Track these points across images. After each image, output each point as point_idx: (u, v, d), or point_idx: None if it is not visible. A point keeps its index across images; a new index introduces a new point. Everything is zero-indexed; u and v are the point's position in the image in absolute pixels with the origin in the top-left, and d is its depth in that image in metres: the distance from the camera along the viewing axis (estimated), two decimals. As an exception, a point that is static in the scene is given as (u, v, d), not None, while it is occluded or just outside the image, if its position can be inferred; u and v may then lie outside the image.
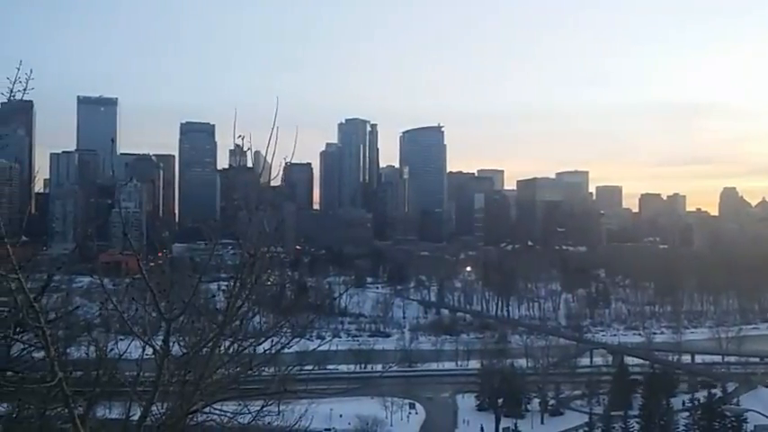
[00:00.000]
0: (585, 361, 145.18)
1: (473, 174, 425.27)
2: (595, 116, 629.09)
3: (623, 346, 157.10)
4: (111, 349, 10.09)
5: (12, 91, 7.72)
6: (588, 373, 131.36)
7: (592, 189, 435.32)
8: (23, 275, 6.57)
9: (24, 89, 7.73)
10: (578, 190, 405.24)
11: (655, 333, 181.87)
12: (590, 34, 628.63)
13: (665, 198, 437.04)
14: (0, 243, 6.47)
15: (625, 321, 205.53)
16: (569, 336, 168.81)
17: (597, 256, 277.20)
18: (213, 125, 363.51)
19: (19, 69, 7.79)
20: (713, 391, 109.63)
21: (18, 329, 7.75)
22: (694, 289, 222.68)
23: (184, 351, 7.89)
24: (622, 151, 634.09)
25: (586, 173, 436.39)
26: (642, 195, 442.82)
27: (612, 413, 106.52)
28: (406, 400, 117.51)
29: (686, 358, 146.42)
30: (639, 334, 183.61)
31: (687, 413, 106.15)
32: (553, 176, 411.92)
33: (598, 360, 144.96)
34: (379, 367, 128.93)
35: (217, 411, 9.18)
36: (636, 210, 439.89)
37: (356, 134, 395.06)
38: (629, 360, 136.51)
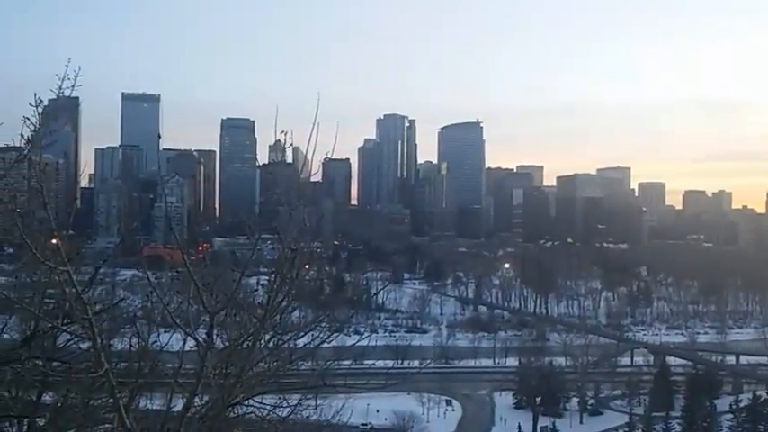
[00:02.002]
0: (626, 360, 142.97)
1: (512, 170, 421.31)
2: (638, 112, 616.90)
3: (665, 346, 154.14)
4: (154, 341, 10.27)
5: (60, 88, 7.92)
6: (629, 373, 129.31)
7: (634, 185, 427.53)
8: (71, 268, 6.72)
9: (73, 86, 7.92)
10: (620, 186, 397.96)
11: (698, 333, 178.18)
12: (631, 29, 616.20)
13: (709, 195, 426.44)
14: (50, 236, 6.64)
15: (667, 321, 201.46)
16: (609, 334, 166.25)
17: (639, 254, 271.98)
18: (253, 121, 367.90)
19: (67, 67, 7.98)
20: (758, 392, 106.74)
21: (65, 320, 7.95)
22: (739, 288, 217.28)
23: (226, 344, 7.98)
24: (666, 147, 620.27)
25: (628, 169, 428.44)
26: (686, 192, 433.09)
27: (654, 414, 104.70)
28: (443, 397, 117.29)
29: (731, 359, 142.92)
30: (682, 334, 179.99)
31: (731, 415, 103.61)
32: (594, 173, 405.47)
33: (639, 360, 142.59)
34: (415, 363, 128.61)
35: (256, 404, 9.28)
36: (679, 207, 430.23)
37: (394, 130, 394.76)
38: (672, 360, 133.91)
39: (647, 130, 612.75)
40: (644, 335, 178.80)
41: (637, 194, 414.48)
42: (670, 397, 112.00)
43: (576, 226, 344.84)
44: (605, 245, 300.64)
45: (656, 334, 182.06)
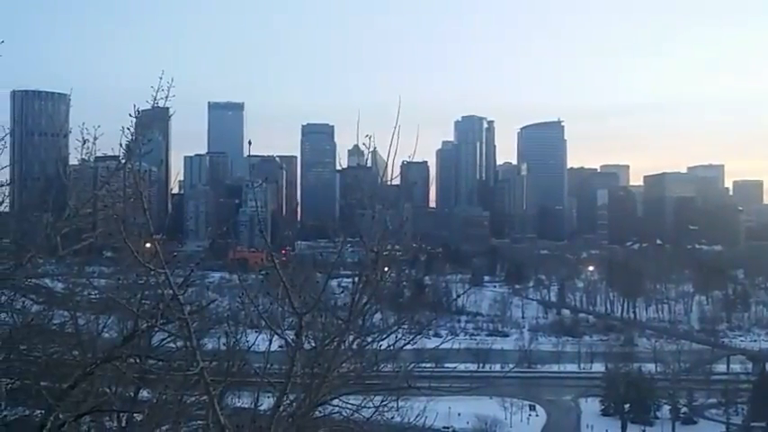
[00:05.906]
0: (722, 367, 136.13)
1: (596, 169, 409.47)
2: (731, 107, 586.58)
3: (765, 353, 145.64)
4: (246, 341, 10.63)
5: (155, 98, 8.33)
6: (725, 381, 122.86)
7: (728, 184, 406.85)
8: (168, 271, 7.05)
9: (166, 97, 8.32)
10: (713, 185, 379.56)
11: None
12: (724, 20, 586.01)
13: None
14: (150, 241, 6.99)
15: (767, 326, 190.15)
16: (703, 340, 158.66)
17: (735, 256, 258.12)
18: (332, 126, 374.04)
19: (161, 79, 8.38)
20: None
21: (162, 320, 8.33)
22: None
23: (313, 345, 8.16)
24: (762, 144, 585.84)
25: (722, 167, 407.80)
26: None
27: (753, 424, 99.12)
28: (526, 402, 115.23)
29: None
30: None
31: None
32: (684, 171, 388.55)
33: (736, 367, 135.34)
34: (497, 367, 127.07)
35: (341, 404, 9.44)
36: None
37: (473, 131, 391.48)
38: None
39: (741, 126, 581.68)
40: (741, 341, 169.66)
41: (731, 193, 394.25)
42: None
43: (665, 227, 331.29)
44: (698, 246, 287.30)
45: (755, 340, 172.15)
